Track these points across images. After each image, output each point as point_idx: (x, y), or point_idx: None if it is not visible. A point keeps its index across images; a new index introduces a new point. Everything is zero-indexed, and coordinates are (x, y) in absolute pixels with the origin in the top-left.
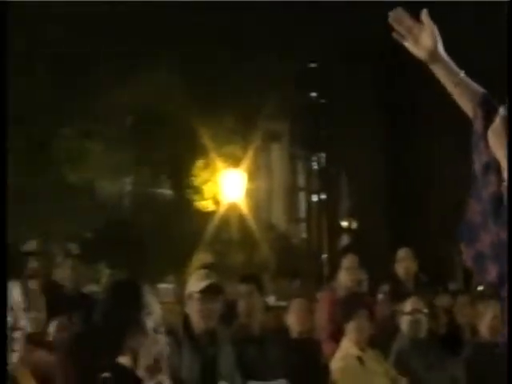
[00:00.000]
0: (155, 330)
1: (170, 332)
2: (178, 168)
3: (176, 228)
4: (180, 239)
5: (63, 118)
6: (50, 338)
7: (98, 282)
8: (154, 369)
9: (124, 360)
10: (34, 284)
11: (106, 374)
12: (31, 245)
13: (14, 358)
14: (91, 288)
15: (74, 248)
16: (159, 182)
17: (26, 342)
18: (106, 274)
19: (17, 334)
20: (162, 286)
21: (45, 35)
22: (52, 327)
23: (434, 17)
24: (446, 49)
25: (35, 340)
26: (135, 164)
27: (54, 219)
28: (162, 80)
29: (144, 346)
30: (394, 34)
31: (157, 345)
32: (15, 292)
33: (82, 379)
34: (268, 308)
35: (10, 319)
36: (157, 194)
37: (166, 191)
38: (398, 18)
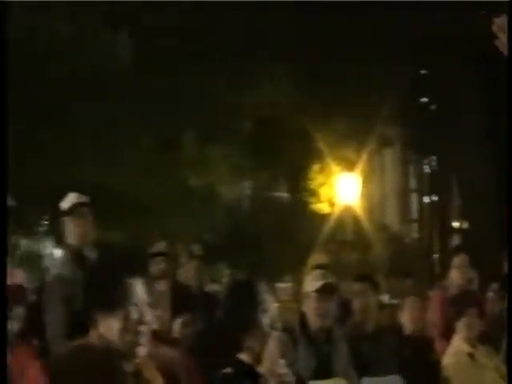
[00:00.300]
0: (271, 327)
1: (287, 329)
2: (295, 172)
3: (293, 229)
4: (297, 240)
5: (184, 123)
6: (175, 335)
7: (220, 282)
8: (275, 365)
9: (244, 356)
10: (161, 284)
11: (227, 370)
12: (160, 246)
13: (140, 352)
14: (213, 287)
15: (196, 249)
16: (277, 186)
17: (151, 337)
18: (226, 274)
19: (143, 328)
20: (281, 285)
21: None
22: (177, 325)
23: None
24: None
25: (160, 336)
26: (254, 168)
27: (176, 221)
28: (278, 85)
29: (264, 342)
30: (496, 42)
31: (274, 341)
32: (138, 289)
33: (204, 374)
34: (382, 306)
35: (135, 314)
36: (274, 197)
37: (284, 194)
38: (501, 26)
